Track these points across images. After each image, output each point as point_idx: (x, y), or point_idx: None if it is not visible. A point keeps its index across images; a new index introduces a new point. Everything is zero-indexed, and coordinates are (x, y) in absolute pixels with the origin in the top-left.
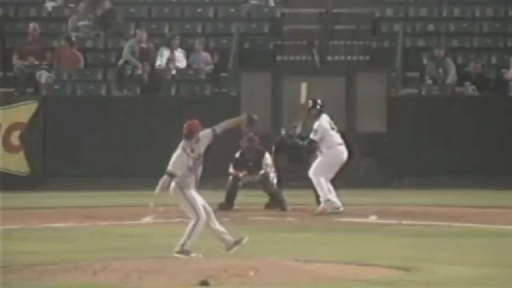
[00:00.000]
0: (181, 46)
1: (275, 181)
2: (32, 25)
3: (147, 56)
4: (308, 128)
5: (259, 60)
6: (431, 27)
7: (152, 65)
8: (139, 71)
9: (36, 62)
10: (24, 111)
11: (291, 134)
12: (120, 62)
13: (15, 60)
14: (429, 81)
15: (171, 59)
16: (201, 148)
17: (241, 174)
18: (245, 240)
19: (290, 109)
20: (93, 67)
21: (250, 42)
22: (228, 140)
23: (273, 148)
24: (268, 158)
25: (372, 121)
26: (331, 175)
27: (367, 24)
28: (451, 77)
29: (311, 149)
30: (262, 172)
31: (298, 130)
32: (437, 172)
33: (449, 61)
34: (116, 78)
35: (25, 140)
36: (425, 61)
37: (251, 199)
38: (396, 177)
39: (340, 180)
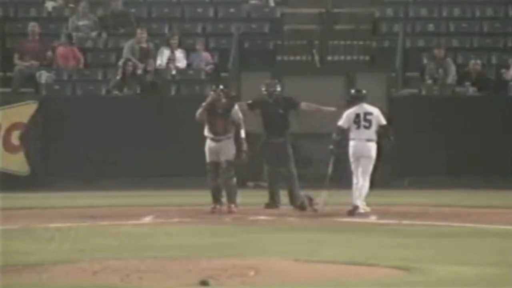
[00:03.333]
0: (181, 46)
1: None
2: (31, 24)
3: (147, 56)
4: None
5: (259, 60)
6: (431, 27)
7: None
8: (139, 71)
9: (36, 63)
10: (24, 111)
11: (271, 91)
12: (120, 63)
13: (16, 61)
14: (429, 81)
15: (171, 59)
16: None
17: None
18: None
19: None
20: (93, 67)
21: (250, 42)
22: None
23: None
24: (237, 111)
25: None
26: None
27: (367, 24)
28: (451, 77)
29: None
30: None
31: (278, 88)
32: (437, 172)
33: (449, 61)
34: (116, 77)
35: (25, 140)
36: (425, 61)
37: (251, 199)
38: (396, 177)
39: (340, 180)
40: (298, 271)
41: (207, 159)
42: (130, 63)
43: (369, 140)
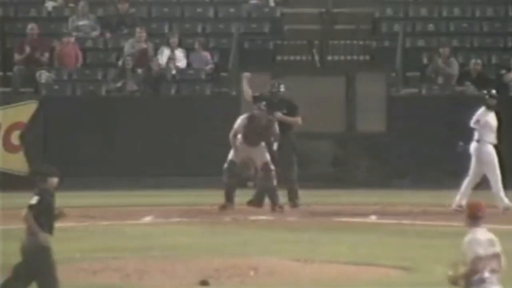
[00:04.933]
0: (181, 46)
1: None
2: (29, 26)
3: (146, 56)
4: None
5: (259, 60)
6: (431, 27)
7: (152, 64)
8: (140, 71)
9: (37, 63)
10: (24, 111)
11: (274, 92)
12: (120, 62)
13: (17, 60)
14: (440, 80)
15: (171, 59)
16: None
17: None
18: None
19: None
20: (93, 67)
21: (250, 42)
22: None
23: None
24: (276, 128)
25: (372, 121)
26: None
27: (367, 24)
28: (454, 76)
29: None
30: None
31: (282, 88)
32: (437, 172)
33: (452, 60)
34: (117, 76)
35: (25, 140)
36: (425, 61)
37: (250, 198)
38: (396, 177)
39: (340, 180)
40: (298, 271)
41: (233, 157)
42: (129, 58)
43: (476, 140)
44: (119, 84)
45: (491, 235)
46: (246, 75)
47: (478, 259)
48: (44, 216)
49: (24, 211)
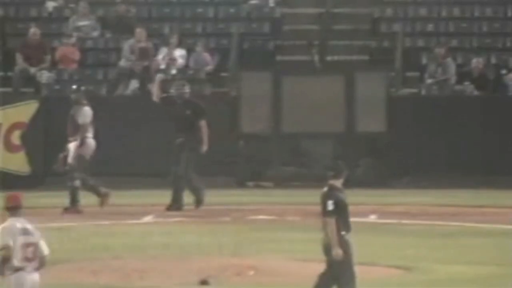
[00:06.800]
0: (181, 46)
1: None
2: (31, 30)
3: (146, 55)
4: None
5: (259, 60)
6: (430, 27)
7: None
8: (140, 71)
9: (41, 65)
10: (25, 110)
11: (179, 93)
12: (121, 62)
13: (21, 62)
14: (430, 80)
15: (170, 59)
16: None
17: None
18: None
19: (290, 109)
20: (93, 67)
21: (250, 42)
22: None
23: None
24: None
25: (372, 121)
26: None
27: (367, 24)
28: (450, 76)
29: None
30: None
31: (187, 89)
32: (437, 172)
33: (449, 61)
34: (118, 79)
35: (26, 140)
36: (424, 60)
37: (251, 199)
38: (396, 177)
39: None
40: (298, 271)
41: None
42: (132, 58)
43: None
44: (123, 88)
45: (29, 225)
46: (160, 76)
47: (7, 248)
48: (341, 215)
49: (326, 220)
